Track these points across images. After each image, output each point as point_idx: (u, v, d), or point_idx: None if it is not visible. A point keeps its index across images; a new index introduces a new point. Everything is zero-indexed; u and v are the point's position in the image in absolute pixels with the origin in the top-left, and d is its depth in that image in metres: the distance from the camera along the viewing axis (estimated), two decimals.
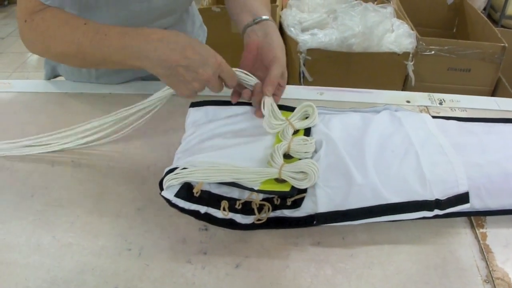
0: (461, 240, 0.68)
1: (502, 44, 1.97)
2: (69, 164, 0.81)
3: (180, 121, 0.84)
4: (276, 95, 0.82)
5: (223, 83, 0.79)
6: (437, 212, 0.67)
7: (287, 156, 0.72)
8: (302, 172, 0.67)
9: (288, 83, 0.86)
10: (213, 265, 0.64)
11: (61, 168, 0.81)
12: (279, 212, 0.68)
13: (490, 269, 0.64)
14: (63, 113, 0.95)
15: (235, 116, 0.82)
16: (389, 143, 0.74)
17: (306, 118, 0.80)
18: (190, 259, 0.65)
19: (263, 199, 0.68)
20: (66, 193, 0.76)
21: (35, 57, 3.60)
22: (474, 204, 0.70)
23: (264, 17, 0.87)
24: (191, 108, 0.85)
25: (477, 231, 0.70)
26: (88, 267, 0.64)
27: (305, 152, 0.72)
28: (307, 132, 0.78)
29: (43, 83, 1.07)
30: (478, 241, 0.68)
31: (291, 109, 0.83)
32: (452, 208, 0.68)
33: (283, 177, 0.67)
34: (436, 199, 0.67)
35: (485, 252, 0.66)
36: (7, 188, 0.77)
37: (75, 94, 1.01)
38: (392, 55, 1.94)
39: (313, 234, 0.68)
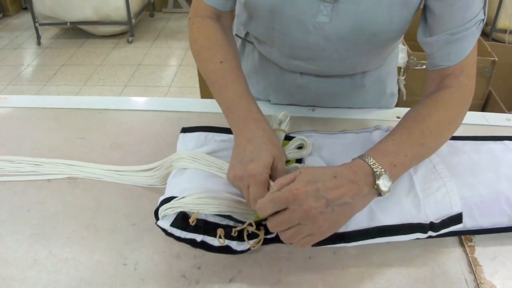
0: (450, 253, 0.70)
1: (492, 58, 1.99)
2: (65, 180, 0.82)
3: (173, 138, 0.85)
4: None
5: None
6: (430, 233, 0.68)
7: None
8: None
9: None
10: (207, 279, 0.65)
11: (57, 183, 0.82)
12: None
13: (478, 281, 0.65)
14: (59, 128, 0.96)
15: (229, 142, 0.81)
16: None
17: (300, 148, 0.80)
18: (185, 274, 0.66)
19: (259, 225, 0.67)
20: (62, 208, 0.76)
21: (29, 70, 3.61)
22: (466, 223, 0.70)
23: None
24: (181, 134, 0.85)
25: (465, 245, 0.71)
26: (84, 282, 0.64)
27: None
28: (299, 160, 0.78)
29: (39, 98, 1.07)
30: (466, 254, 0.69)
31: (289, 138, 0.82)
32: (445, 229, 0.68)
33: None
34: (431, 222, 0.68)
35: (473, 265, 0.67)
36: (4, 203, 0.78)
37: (71, 109, 1.03)
38: None
39: (305, 249, 0.69)
